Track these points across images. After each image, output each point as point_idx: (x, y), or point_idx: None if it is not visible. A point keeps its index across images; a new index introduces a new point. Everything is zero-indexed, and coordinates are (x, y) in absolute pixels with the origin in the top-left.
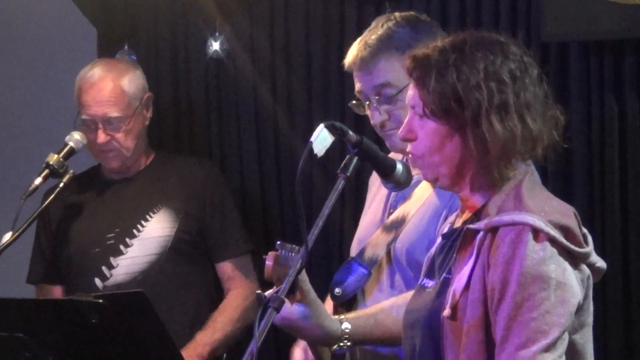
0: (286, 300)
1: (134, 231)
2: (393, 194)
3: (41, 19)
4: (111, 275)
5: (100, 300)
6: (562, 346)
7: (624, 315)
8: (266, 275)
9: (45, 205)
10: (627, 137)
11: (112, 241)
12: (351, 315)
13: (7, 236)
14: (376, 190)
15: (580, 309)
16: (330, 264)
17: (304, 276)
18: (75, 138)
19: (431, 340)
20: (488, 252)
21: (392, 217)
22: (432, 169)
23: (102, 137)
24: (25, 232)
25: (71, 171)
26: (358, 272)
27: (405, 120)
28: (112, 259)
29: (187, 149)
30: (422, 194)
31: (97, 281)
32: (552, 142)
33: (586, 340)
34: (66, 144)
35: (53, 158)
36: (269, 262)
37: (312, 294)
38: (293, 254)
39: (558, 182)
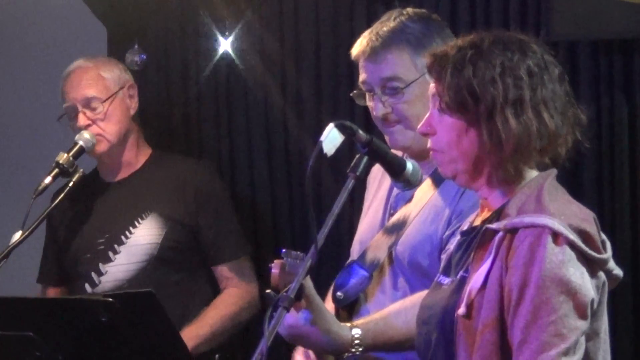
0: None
1: (122, 238)
2: (393, 194)
3: (51, 18)
4: (100, 282)
5: (110, 299)
6: (580, 351)
7: (634, 319)
8: (272, 283)
9: (54, 205)
10: (637, 136)
11: (102, 247)
12: (359, 321)
13: (17, 235)
14: (376, 190)
15: (594, 315)
16: (339, 263)
17: (308, 282)
18: (85, 137)
19: (445, 337)
20: (506, 253)
21: (393, 219)
22: (451, 165)
23: (82, 119)
24: (34, 232)
25: (81, 170)
26: (359, 275)
27: (426, 116)
28: (101, 266)
29: (196, 148)
30: (423, 196)
31: (87, 287)
32: (574, 142)
33: (598, 348)
34: (76, 143)
35: (63, 157)
36: (275, 270)
37: (318, 299)
38: (298, 262)
39: (567, 181)
